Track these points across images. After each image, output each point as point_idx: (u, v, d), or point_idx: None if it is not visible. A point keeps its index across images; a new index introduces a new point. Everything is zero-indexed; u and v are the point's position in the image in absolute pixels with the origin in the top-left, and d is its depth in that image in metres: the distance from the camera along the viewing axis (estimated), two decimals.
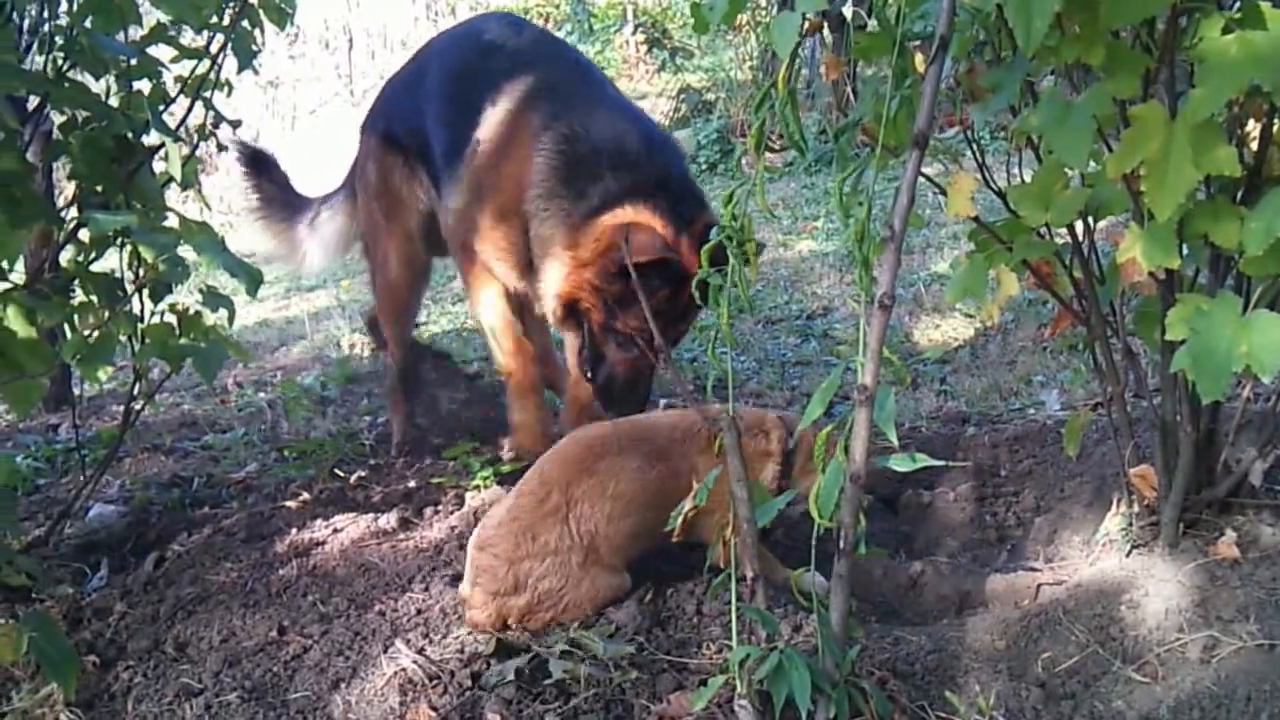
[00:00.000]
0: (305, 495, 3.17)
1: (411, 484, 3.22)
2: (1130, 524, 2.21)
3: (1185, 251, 1.87)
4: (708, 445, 2.39)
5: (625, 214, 2.82)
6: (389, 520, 2.83)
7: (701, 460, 2.40)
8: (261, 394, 4.40)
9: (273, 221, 4.09)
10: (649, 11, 14.30)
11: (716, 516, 2.32)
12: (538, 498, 2.36)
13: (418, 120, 3.49)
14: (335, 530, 2.81)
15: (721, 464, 2.34)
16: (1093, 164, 1.91)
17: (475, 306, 3.38)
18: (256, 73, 2.65)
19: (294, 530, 2.83)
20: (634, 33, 13.88)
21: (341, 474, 3.34)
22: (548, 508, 2.33)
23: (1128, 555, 2.15)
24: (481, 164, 3.17)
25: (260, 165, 4.11)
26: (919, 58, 1.80)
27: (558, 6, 14.91)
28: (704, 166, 9.32)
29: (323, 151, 10.28)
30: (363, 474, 3.35)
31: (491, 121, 3.16)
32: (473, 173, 3.20)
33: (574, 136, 3.00)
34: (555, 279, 2.99)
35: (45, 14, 2.44)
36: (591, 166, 2.96)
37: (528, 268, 3.10)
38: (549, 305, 3.07)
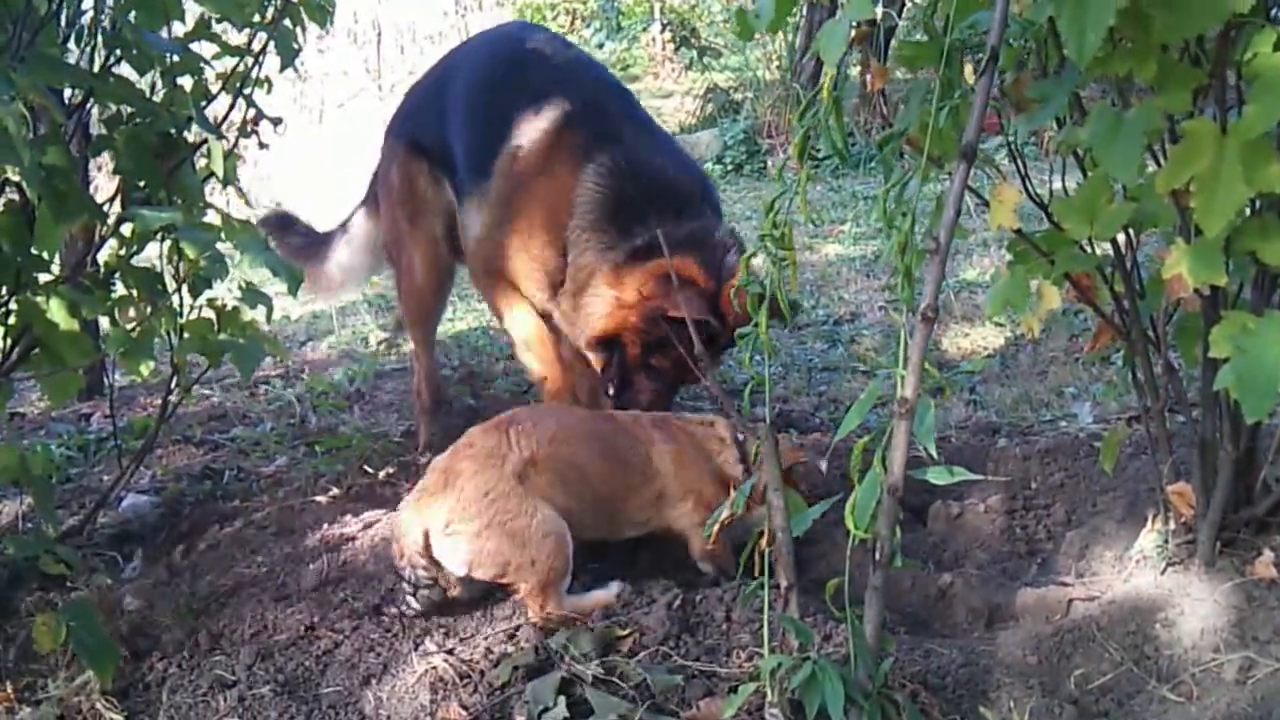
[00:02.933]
0: (335, 490, 3.18)
1: None
2: (1166, 541, 2.20)
3: (1230, 268, 1.86)
4: (665, 427, 2.50)
5: (670, 264, 2.81)
6: None
7: (659, 434, 2.48)
8: (289, 388, 4.41)
9: (306, 267, 4.07)
10: (676, 10, 14.28)
11: (689, 505, 2.41)
12: (487, 423, 2.43)
13: (442, 127, 3.51)
14: (365, 526, 2.82)
15: (677, 448, 2.48)
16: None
17: (505, 322, 3.40)
18: (297, 71, 2.66)
19: (324, 526, 2.85)
20: (661, 31, 13.87)
21: (370, 470, 3.35)
22: (490, 424, 2.40)
23: (1163, 573, 2.14)
24: (518, 178, 3.17)
25: (286, 226, 4.17)
26: (968, 68, 1.79)
27: (585, 3, 14.93)
28: (730, 167, 9.30)
29: (350, 146, 10.30)
30: (391, 470, 3.36)
31: (530, 134, 3.15)
32: (507, 185, 3.20)
33: (622, 171, 3.01)
34: (596, 314, 3.04)
35: (82, 5, 2.46)
36: (639, 205, 2.98)
37: (557, 288, 3.13)
38: (584, 334, 3.11)
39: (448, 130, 3.49)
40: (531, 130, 3.16)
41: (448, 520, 2.26)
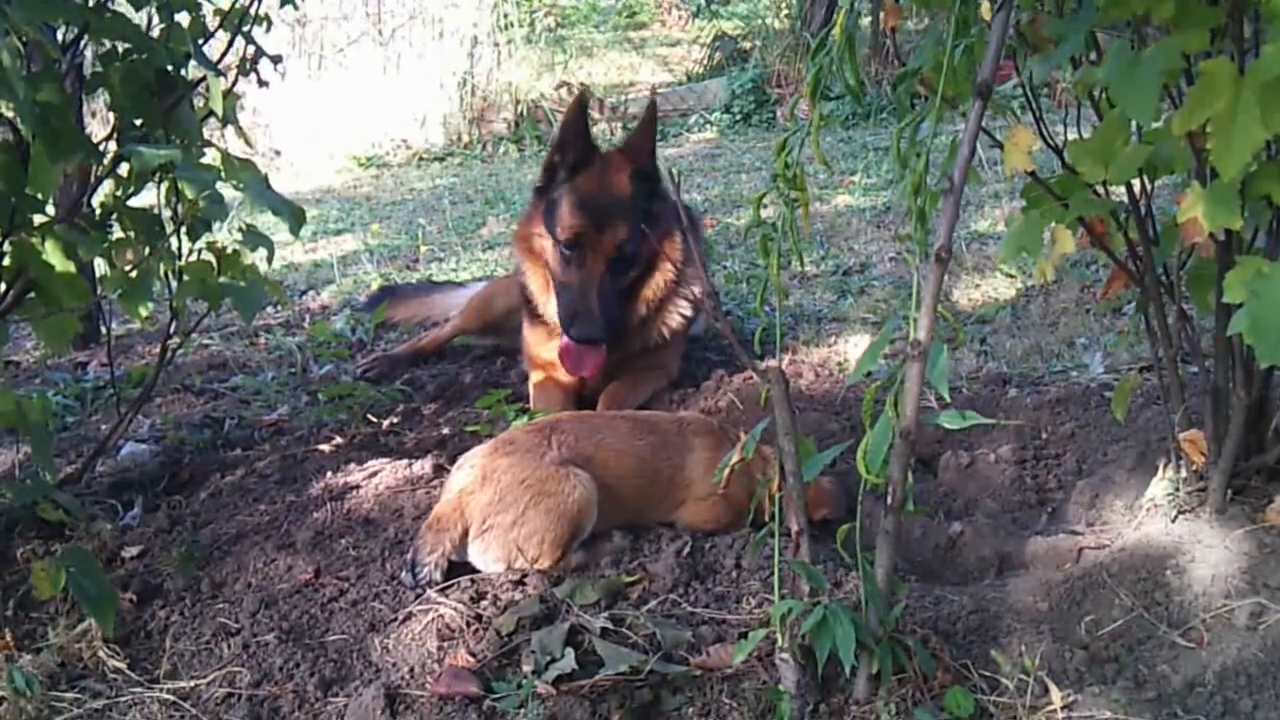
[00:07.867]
0: (338, 439, 3.16)
1: (445, 431, 3.21)
2: (1177, 489, 2.18)
3: (1246, 213, 1.82)
4: (707, 435, 2.51)
5: None
6: (423, 466, 2.81)
7: (699, 441, 2.49)
8: (290, 337, 4.37)
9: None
10: None
11: (708, 503, 2.44)
12: (530, 424, 2.54)
13: None
14: (369, 475, 2.79)
15: (711, 456, 2.44)
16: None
17: None
18: (297, 8, 2.60)
19: (327, 474, 2.83)
20: None
21: (373, 419, 3.33)
22: (532, 427, 2.47)
23: (1174, 520, 2.13)
24: None
25: (395, 297, 4.56)
26: (985, 5, 1.75)
27: None
28: (738, 116, 9.19)
29: (350, 92, 10.17)
30: (395, 420, 3.34)
31: None
32: None
33: None
34: None
35: None
36: None
37: None
38: None
39: None
40: None
41: (486, 510, 2.27)
